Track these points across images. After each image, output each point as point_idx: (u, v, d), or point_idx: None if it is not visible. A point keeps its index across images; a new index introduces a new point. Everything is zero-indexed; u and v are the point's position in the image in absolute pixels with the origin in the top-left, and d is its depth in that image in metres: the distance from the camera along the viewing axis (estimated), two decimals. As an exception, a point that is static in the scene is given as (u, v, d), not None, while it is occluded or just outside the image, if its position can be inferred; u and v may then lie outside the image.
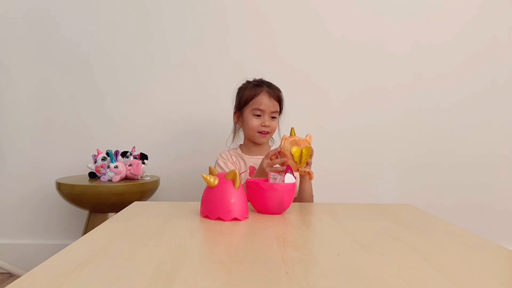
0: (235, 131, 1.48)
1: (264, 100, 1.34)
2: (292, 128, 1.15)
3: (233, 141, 1.48)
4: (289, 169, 1.05)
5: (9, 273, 1.77)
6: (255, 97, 1.35)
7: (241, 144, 1.48)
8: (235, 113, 1.44)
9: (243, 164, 1.41)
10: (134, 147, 1.68)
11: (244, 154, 1.42)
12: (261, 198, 0.96)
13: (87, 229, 1.58)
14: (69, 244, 0.66)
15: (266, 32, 1.84)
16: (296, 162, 1.10)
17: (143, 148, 1.72)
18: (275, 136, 1.45)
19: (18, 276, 1.44)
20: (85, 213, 1.72)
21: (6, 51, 1.81)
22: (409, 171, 1.88)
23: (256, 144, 1.40)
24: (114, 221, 0.86)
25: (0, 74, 1.82)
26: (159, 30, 1.83)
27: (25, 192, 1.85)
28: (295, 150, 1.09)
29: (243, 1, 1.84)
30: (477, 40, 1.87)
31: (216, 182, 0.89)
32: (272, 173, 1.01)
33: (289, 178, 0.99)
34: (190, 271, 0.55)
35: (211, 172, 0.94)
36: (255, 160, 1.38)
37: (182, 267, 0.56)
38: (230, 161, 1.41)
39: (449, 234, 0.83)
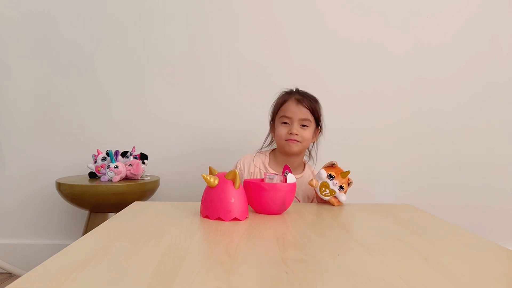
0: (265, 140, 1.40)
1: (291, 107, 1.26)
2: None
3: (261, 149, 1.39)
4: (287, 169, 1.05)
5: (9, 273, 1.77)
6: (283, 104, 1.28)
7: (274, 149, 1.38)
8: (270, 123, 1.38)
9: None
10: (134, 147, 1.68)
11: (268, 167, 1.33)
12: (262, 199, 0.95)
13: (87, 229, 1.58)
14: (69, 244, 0.66)
15: (267, 33, 1.84)
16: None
17: (143, 148, 1.72)
18: (312, 154, 1.38)
19: (18, 276, 1.45)
20: (85, 213, 1.72)
21: (6, 50, 1.81)
22: (410, 172, 1.88)
23: (286, 157, 1.30)
24: (114, 221, 0.86)
25: (0, 73, 1.82)
26: (161, 29, 1.83)
27: (25, 192, 1.85)
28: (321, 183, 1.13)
29: (243, 3, 1.84)
30: (478, 42, 1.86)
31: (216, 182, 0.89)
32: (267, 173, 1.01)
33: (290, 178, 0.99)
34: (190, 271, 0.55)
35: (211, 172, 0.94)
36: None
37: (182, 267, 0.56)
38: (251, 170, 1.33)
39: (449, 234, 0.83)
